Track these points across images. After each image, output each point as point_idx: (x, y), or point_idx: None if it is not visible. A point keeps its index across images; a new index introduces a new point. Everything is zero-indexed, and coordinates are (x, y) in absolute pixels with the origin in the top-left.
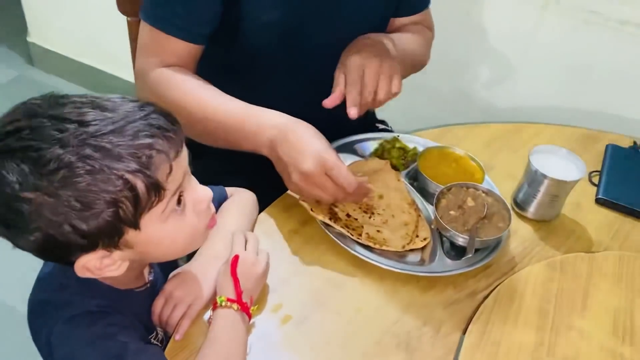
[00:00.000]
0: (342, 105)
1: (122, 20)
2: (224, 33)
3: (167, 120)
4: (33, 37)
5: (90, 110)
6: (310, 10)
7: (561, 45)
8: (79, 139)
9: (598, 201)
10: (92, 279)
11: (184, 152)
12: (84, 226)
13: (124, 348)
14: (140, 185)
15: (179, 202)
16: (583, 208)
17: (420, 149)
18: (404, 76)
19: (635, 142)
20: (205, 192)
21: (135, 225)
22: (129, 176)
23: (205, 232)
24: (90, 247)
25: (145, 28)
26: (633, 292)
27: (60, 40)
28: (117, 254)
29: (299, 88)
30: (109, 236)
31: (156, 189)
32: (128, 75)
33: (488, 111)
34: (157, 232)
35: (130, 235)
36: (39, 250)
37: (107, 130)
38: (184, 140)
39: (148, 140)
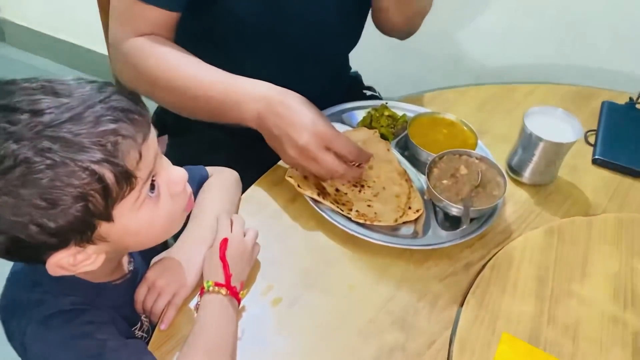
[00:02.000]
0: (328, 74)
1: None
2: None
3: (130, 101)
4: (4, 13)
5: (43, 97)
6: None
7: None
8: (34, 131)
9: (595, 162)
10: (66, 275)
11: (153, 134)
12: (52, 225)
13: (102, 346)
14: (108, 175)
15: (152, 187)
16: (580, 169)
17: (410, 116)
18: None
19: (631, 98)
20: (179, 173)
21: (108, 218)
22: (95, 167)
23: (183, 214)
24: (61, 245)
25: None
26: (633, 255)
27: (32, 16)
28: (91, 248)
29: (283, 57)
30: (81, 232)
31: (127, 177)
32: (103, 49)
33: (479, 72)
34: (132, 222)
35: (104, 228)
36: (6, 253)
37: (64, 118)
38: (151, 121)
39: (112, 126)
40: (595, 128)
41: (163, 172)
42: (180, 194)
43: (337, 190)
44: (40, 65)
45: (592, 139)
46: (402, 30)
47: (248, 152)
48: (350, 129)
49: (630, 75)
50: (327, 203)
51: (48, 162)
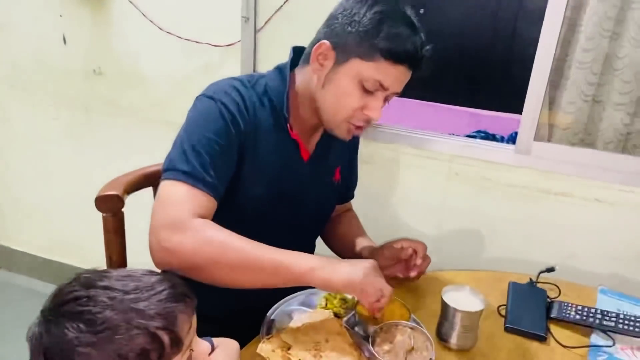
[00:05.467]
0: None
1: (90, 216)
2: (225, 201)
3: (186, 288)
4: (2, 241)
5: (130, 282)
6: (286, 191)
7: (468, 206)
8: (123, 305)
9: (507, 329)
10: None
11: (195, 315)
12: None
13: None
14: (166, 339)
15: (189, 354)
16: (495, 336)
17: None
18: None
19: (531, 279)
20: (205, 345)
21: None
22: (158, 332)
23: None
24: None
25: (176, 185)
26: None
27: (29, 241)
28: None
29: (278, 239)
30: None
31: (177, 342)
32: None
33: None
34: None
35: None
36: None
37: (143, 297)
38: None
39: (174, 304)
40: (505, 303)
41: (195, 343)
42: None
43: None
44: (32, 286)
45: (503, 311)
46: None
47: (231, 327)
48: (310, 310)
49: (531, 262)
50: None
51: (128, 326)
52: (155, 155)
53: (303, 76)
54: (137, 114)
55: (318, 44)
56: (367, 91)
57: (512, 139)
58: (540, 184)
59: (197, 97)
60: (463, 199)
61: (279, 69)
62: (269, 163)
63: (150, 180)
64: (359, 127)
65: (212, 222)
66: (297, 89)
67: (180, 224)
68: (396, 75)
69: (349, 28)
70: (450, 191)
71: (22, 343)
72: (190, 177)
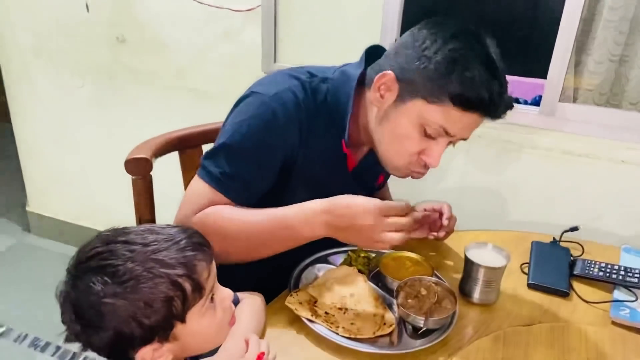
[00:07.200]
0: None
1: (116, 182)
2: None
3: (203, 239)
4: (32, 207)
5: (149, 235)
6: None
7: (490, 168)
8: (144, 256)
9: (529, 286)
10: None
11: (214, 262)
12: (147, 321)
13: None
14: (187, 286)
15: (211, 299)
16: (518, 292)
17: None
18: None
19: (554, 238)
20: (228, 292)
21: (183, 319)
22: (179, 279)
23: (227, 327)
24: (148, 340)
25: (200, 184)
26: (563, 354)
27: (57, 207)
28: (166, 346)
29: None
30: (164, 329)
31: (198, 288)
32: None
33: None
34: (197, 325)
35: (178, 328)
36: (110, 345)
37: (162, 247)
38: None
39: (192, 253)
40: (528, 261)
41: (218, 290)
42: (227, 308)
43: (326, 312)
44: (62, 251)
45: (526, 269)
46: None
47: (256, 286)
48: (334, 267)
49: (554, 225)
50: (319, 322)
51: (150, 275)
52: (178, 122)
53: (364, 100)
54: (159, 81)
55: (382, 73)
56: (428, 135)
57: (536, 102)
58: (565, 145)
59: (251, 92)
60: (486, 161)
61: (345, 76)
62: (315, 172)
63: (176, 144)
64: (419, 173)
65: (209, 210)
66: (358, 110)
67: (184, 223)
68: (465, 123)
69: (417, 63)
70: (473, 154)
71: (53, 305)
72: (215, 181)
